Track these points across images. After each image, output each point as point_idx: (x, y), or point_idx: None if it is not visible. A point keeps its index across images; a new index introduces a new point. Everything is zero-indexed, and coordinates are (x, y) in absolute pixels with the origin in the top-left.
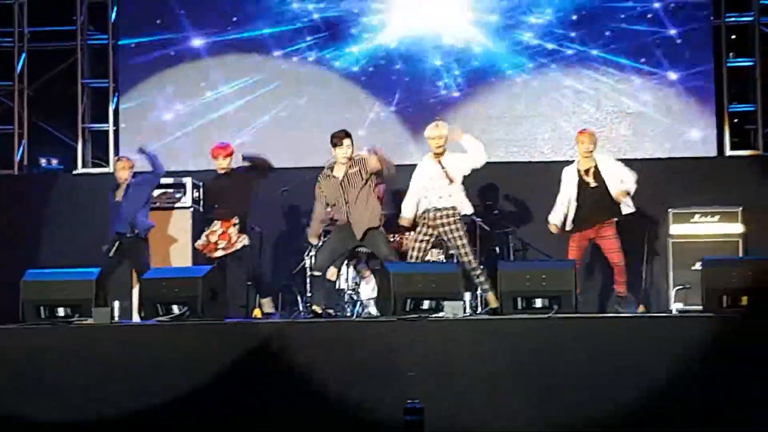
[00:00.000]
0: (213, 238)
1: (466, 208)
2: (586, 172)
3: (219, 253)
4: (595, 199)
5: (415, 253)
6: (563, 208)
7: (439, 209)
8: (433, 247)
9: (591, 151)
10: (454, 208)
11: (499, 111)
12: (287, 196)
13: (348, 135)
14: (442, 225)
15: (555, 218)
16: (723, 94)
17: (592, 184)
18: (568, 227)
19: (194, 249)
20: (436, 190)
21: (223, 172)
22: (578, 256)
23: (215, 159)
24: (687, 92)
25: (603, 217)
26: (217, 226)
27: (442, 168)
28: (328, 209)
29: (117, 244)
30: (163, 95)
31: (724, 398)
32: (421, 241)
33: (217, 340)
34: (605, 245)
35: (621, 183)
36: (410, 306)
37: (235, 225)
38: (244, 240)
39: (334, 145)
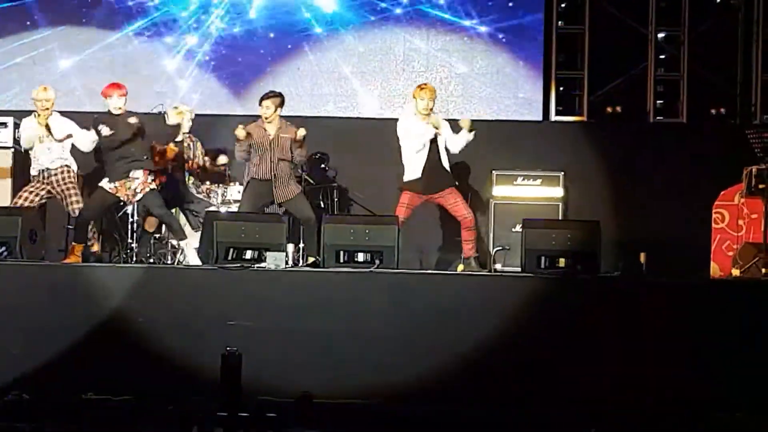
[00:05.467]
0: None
1: None
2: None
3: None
4: (431, 160)
5: None
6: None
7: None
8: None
9: (431, 108)
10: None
11: (329, 67)
12: None
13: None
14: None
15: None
16: (551, 60)
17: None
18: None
19: (14, 190)
20: None
21: (118, 113)
22: (406, 215)
23: (108, 98)
24: (516, 56)
25: (439, 185)
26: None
27: None
28: None
29: None
30: None
31: (540, 357)
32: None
33: (36, 282)
34: (448, 202)
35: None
36: (233, 255)
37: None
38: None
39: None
